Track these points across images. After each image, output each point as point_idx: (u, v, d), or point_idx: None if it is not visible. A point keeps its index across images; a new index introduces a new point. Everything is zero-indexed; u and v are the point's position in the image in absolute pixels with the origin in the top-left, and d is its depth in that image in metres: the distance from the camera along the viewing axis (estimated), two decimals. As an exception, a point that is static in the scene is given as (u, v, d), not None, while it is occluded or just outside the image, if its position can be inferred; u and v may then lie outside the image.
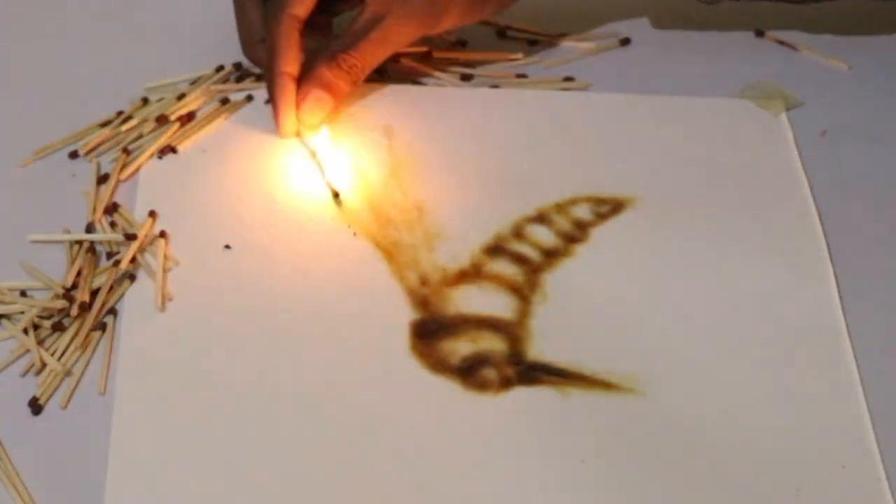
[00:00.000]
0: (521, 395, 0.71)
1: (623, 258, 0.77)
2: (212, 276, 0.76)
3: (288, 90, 0.80)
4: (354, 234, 0.78)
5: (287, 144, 0.83)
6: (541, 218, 0.79)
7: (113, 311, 0.74)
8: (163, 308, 0.74)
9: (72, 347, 0.72)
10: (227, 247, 0.77)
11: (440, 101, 0.85)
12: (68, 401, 0.71)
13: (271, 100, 0.81)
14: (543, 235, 0.78)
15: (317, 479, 0.67)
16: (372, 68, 0.81)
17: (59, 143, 0.83)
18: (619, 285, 0.75)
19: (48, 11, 0.92)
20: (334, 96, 0.81)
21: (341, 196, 0.79)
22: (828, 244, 0.77)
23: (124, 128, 0.84)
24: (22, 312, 0.73)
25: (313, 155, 0.81)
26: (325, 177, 0.80)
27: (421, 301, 0.75)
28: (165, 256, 0.76)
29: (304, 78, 0.81)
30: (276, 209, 0.79)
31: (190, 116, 0.84)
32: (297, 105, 0.81)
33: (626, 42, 0.89)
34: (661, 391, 0.71)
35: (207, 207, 0.79)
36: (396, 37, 0.81)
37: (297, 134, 0.82)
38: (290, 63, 0.80)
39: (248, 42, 0.84)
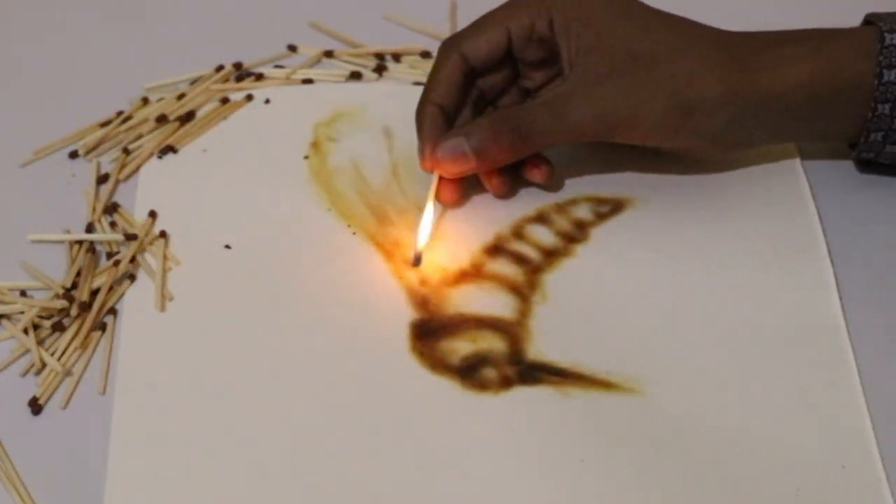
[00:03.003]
0: (521, 395, 0.71)
1: (623, 258, 0.77)
2: (212, 276, 0.76)
3: (431, 119, 0.75)
4: (354, 233, 0.78)
5: (286, 144, 0.83)
6: (541, 218, 0.79)
7: (113, 311, 0.74)
8: (163, 308, 0.74)
9: (72, 347, 0.72)
10: (227, 247, 0.77)
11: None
12: (68, 401, 0.71)
13: (417, 129, 0.76)
14: (543, 235, 0.78)
15: (317, 479, 0.67)
16: (537, 147, 0.75)
17: (59, 143, 0.83)
18: (620, 285, 0.75)
19: (48, 11, 0.92)
20: (479, 157, 0.74)
21: (420, 260, 0.76)
22: (828, 244, 0.77)
23: (124, 128, 0.84)
24: (22, 312, 0.73)
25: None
26: (419, 238, 0.76)
27: (421, 301, 0.75)
28: (165, 256, 0.76)
29: (464, 123, 0.76)
30: (276, 209, 0.79)
31: (190, 116, 0.84)
32: (438, 145, 0.75)
33: None
34: (661, 391, 0.71)
35: (207, 207, 0.79)
36: (574, 121, 0.73)
37: (431, 171, 0.76)
38: (440, 95, 0.75)
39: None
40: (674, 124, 0.74)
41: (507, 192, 0.79)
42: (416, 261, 0.76)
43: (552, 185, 0.79)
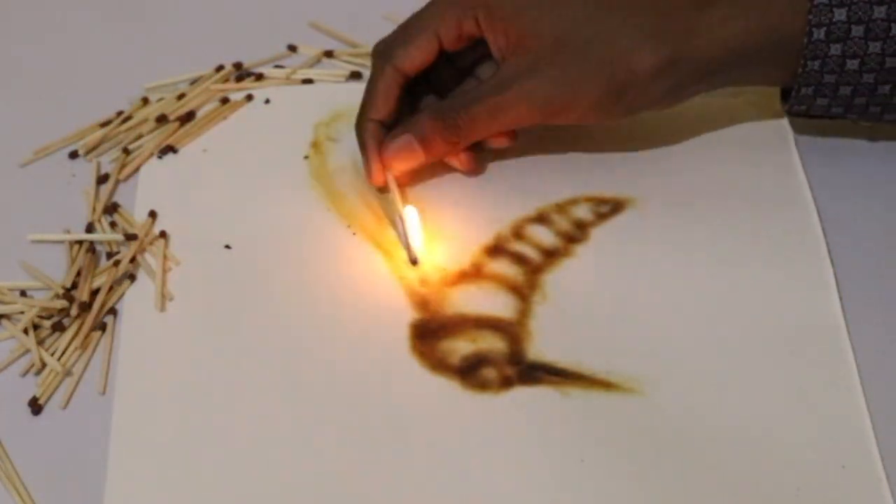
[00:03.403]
0: (522, 395, 0.71)
1: (623, 258, 0.77)
2: (212, 276, 0.76)
3: (372, 134, 0.77)
4: (354, 233, 0.78)
5: (286, 144, 0.83)
6: (541, 218, 0.79)
7: (113, 311, 0.74)
8: (163, 308, 0.74)
9: (72, 347, 0.72)
10: (227, 247, 0.77)
11: (440, 101, 0.85)
12: (68, 401, 0.71)
13: (361, 149, 0.78)
14: (543, 235, 0.78)
15: (317, 479, 0.67)
16: (476, 137, 0.77)
17: (59, 143, 0.83)
18: (619, 285, 0.75)
19: (48, 11, 0.92)
20: (425, 150, 0.76)
21: (419, 263, 0.76)
22: (828, 244, 0.77)
23: (124, 128, 0.84)
24: (22, 312, 0.73)
25: (399, 217, 0.77)
26: (408, 240, 0.76)
27: (421, 301, 0.75)
28: (165, 256, 0.76)
29: (402, 124, 0.77)
30: (276, 209, 0.79)
31: (190, 116, 0.84)
32: (384, 145, 0.77)
33: None
34: (661, 391, 0.71)
35: (207, 207, 0.79)
36: (511, 112, 0.75)
37: (385, 184, 0.78)
38: (379, 112, 0.77)
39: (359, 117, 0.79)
40: (609, 104, 0.75)
41: (476, 168, 0.80)
42: (414, 261, 0.76)
43: (515, 146, 0.79)
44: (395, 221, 0.78)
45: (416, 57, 0.76)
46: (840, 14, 0.73)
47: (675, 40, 0.74)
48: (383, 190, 0.79)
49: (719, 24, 0.74)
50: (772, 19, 0.74)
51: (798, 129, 0.82)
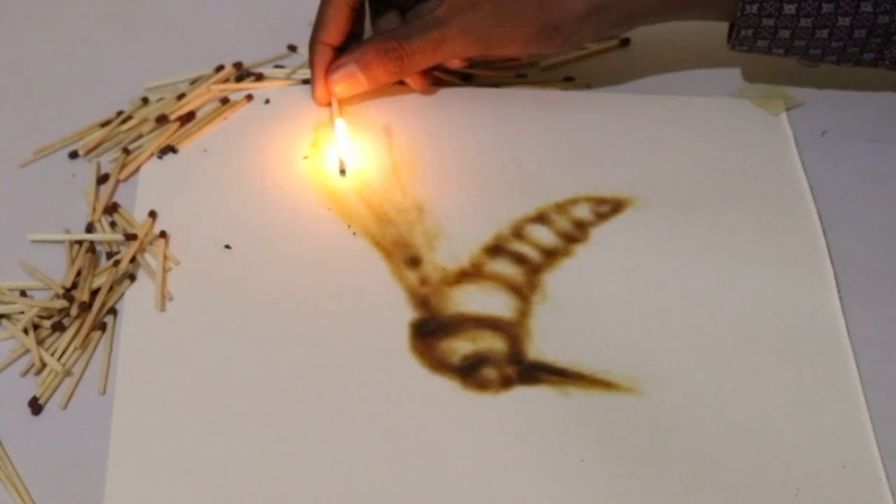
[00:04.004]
0: (522, 395, 0.71)
1: (623, 258, 0.77)
2: (212, 276, 0.76)
3: (322, 57, 0.81)
4: (354, 233, 0.78)
5: (286, 144, 0.83)
6: (541, 218, 0.79)
7: (113, 311, 0.74)
8: (163, 308, 0.74)
9: (72, 347, 0.72)
10: (227, 247, 0.77)
11: (440, 101, 0.85)
12: (68, 401, 0.71)
13: (310, 68, 0.83)
14: (543, 235, 0.78)
15: (317, 478, 0.67)
16: (417, 69, 0.81)
17: (59, 143, 0.83)
18: (619, 285, 0.75)
19: (48, 11, 0.92)
20: (368, 78, 0.81)
21: (346, 172, 0.80)
22: (828, 244, 0.77)
23: (124, 128, 0.84)
24: (22, 312, 0.73)
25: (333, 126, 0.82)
26: (338, 149, 0.81)
27: (421, 301, 0.75)
28: (165, 256, 0.76)
29: (347, 52, 0.82)
30: (276, 209, 0.79)
31: (190, 116, 0.84)
32: (329, 72, 0.81)
33: (626, 42, 0.89)
34: (661, 391, 0.71)
35: (207, 207, 0.79)
36: (451, 46, 0.79)
37: (328, 104, 0.83)
38: (330, 35, 0.81)
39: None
40: (543, 41, 0.79)
41: (428, 89, 0.84)
42: (342, 172, 0.80)
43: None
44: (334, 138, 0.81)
45: None
46: None
47: None
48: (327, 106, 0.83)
49: None
50: None
51: (798, 131, 0.82)
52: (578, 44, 0.81)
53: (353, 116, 0.84)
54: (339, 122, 0.82)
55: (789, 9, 0.76)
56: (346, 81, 0.81)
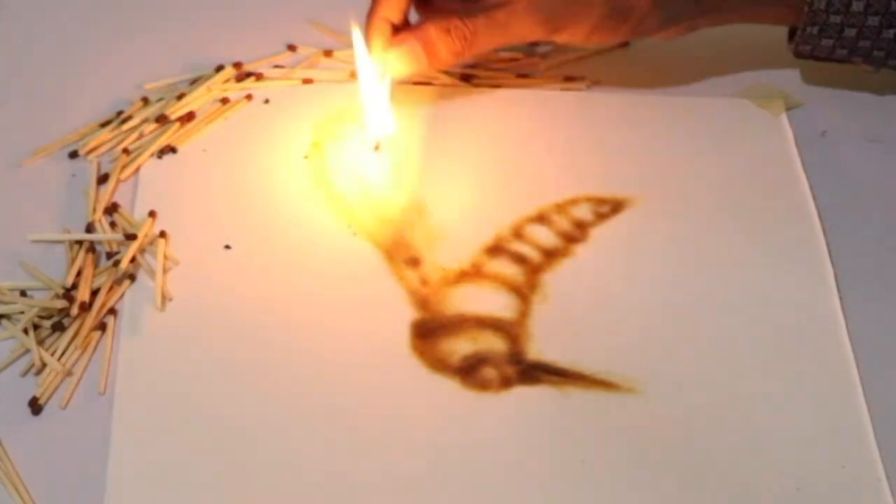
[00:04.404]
0: (522, 395, 0.71)
1: (623, 258, 0.77)
2: (212, 276, 0.76)
3: (381, 31, 0.77)
4: (354, 233, 0.78)
5: (286, 144, 0.83)
6: (541, 218, 0.79)
7: (113, 311, 0.74)
8: (163, 308, 0.74)
9: (72, 347, 0.72)
10: (227, 247, 0.77)
11: (441, 101, 0.85)
12: (68, 401, 0.71)
13: (365, 41, 0.78)
14: (543, 235, 0.78)
15: (317, 478, 0.67)
16: (481, 50, 0.78)
17: (59, 143, 0.83)
18: (619, 285, 0.75)
19: (48, 11, 0.92)
20: (430, 58, 0.77)
21: (380, 147, 0.78)
22: (828, 244, 0.77)
23: (124, 128, 0.84)
24: (22, 312, 0.73)
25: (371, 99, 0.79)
26: (372, 126, 0.79)
27: (421, 301, 0.75)
28: (165, 256, 0.76)
29: (408, 29, 0.78)
30: (276, 209, 0.79)
31: (190, 116, 0.84)
32: (388, 47, 0.78)
33: (625, 42, 0.89)
34: (661, 391, 0.71)
35: (207, 207, 0.79)
36: (517, 27, 0.76)
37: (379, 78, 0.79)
38: (391, 10, 0.77)
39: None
40: (611, 26, 0.77)
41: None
42: (377, 147, 0.78)
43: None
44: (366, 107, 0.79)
45: None
46: None
47: None
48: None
49: None
50: None
51: (799, 131, 0.82)
52: (644, 34, 0.78)
53: (352, 118, 0.84)
54: (384, 85, 0.78)
55: (857, 6, 0.75)
56: (407, 58, 0.78)
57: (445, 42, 0.77)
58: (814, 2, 0.76)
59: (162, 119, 0.83)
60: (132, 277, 0.75)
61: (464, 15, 0.77)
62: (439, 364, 0.72)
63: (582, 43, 0.79)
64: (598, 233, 0.78)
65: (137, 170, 0.82)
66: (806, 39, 0.78)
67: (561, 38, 0.78)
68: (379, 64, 0.78)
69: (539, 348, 0.73)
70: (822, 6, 0.76)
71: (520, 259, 0.77)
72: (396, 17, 0.78)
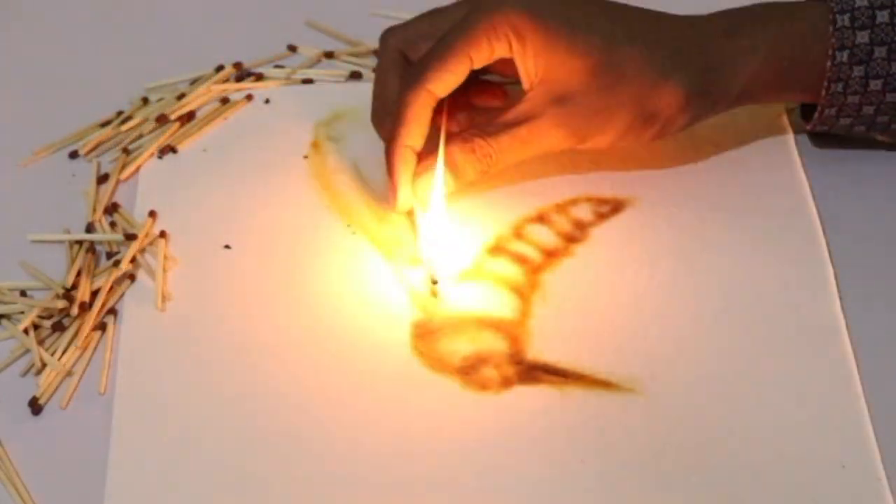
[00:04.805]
0: (522, 395, 0.71)
1: (623, 258, 0.77)
2: (212, 276, 0.76)
3: (407, 162, 0.75)
4: (354, 233, 0.78)
5: (286, 144, 0.83)
6: (541, 218, 0.79)
7: (113, 311, 0.74)
8: (163, 308, 0.74)
9: (72, 347, 0.72)
10: (227, 247, 0.77)
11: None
12: (68, 401, 0.71)
13: (388, 171, 0.75)
14: (543, 235, 0.78)
15: (317, 478, 0.67)
16: (506, 165, 0.75)
17: (59, 143, 0.83)
18: (619, 285, 0.75)
19: (48, 11, 0.92)
20: (457, 179, 0.75)
21: (438, 286, 0.75)
22: (828, 244, 0.77)
23: (124, 128, 0.84)
24: (22, 312, 0.73)
25: (418, 237, 0.77)
26: (427, 262, 0.76)
27: (421, 301, 0.75)
28: (165, 256, 0.76)
29: (431, 154, 0.75)
30: (276, 209, 0.79)
31: (190, 116, 0.84)
32: (416, 176, 0.75)
33: None
34: (661, 391, 0.71)
35: (207, 207, 0.79)
36: (543, 140, 0.75)
37: (410, 210, 0.77)
38: (413, 137, 0.74)
39: (378, 111, 0.78)
40: (638, 132, 0.75)
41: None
42: (434, 281, 0.75)
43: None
44: (421, 245, 0.76)
45: (449, 80, 0.74)
46: (862, 37, 0.74)
47: (705, 72, 0.74)
48: (409, 214, 0.77)
49: (747, 53, 0.75)
50: (796, 45, 0.75)
51: (799, 131, 0.82)
52: (674, 132, 0.76)
53: (352, 118, 0.84)
54: (430, 222, 0.75)
55: (875, 84, 0.75)
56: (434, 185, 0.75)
57: (471, 163, 0.75)
58: (831, 85, 0.75)
59: (162, 119, 0.83)
60: (132, 277, 0.75)
61: (485, 132, 0.75)
62: (439, 364, 0.72)
63: (608, 146, 0.77)
64: (598, 233, 0.78)
65: (137, 170, 0.82)
66: (824, 121, 0.77)
67: (587, 146, 0.76)
68: (405, 194, 0.76)
69: (539, 348, 0.72)
70: (839, 88, 0.75)
71: (520, 259, 0.77)
72: (419, 144, 0.75)
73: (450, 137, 0.76)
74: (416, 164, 0.75)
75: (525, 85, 0.75)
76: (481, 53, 0.74)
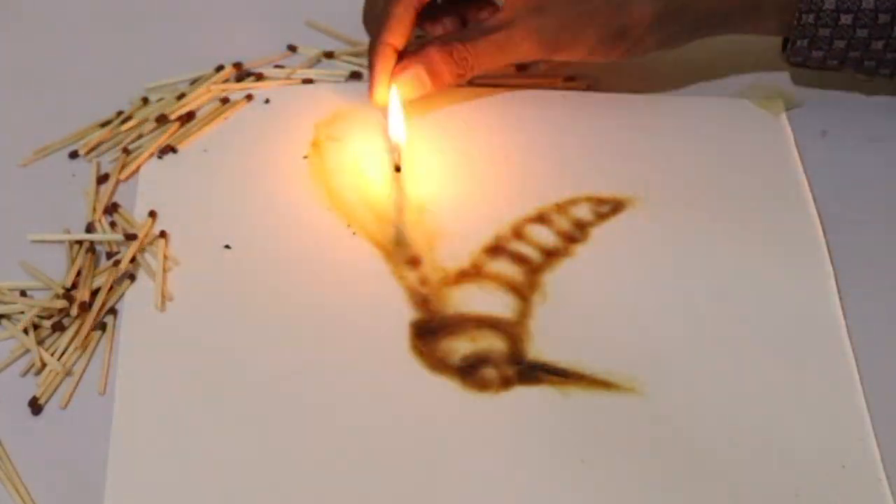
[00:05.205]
0: (521, 395, 0.71)
1: (623, 258, 0.77)
2: (212, 276, 0.76)
3: (386, 58, 0.80)
4: (354, 233, 0.78)
5: (286, 144, 0.83)
6: (541, 218, 0.79)
7: (113, 311, 0.74)
8: (163, 308, 0.74)
9: (72, 347, 0.72)
10: (227, 247, 0.77)
11: (441, 101, 0.85)
12: (68, 401, 0.71)
13: (370, 67, 0.80)
14: (543, 235, 0.78)
15: (317, 479, 0.67)
16: (481, 71, 0.80)
17: (59, 143, 0.83)
18: (619, 285, 0.75)
19: (48, 11, 0.92)
20: (434, 81, 0.80)
21: (401, 170, 0.80)
22: (828, 244, 0.77)
23: (124, 128, 0.84)
24: (22, 312, 0.73)
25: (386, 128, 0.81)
26: (392, 144, 0.80)
27: (421, 301, 0.75)
28: (165, 256, 0.76)
29: (411, 54, 0.80)
30: (276, 209, 0.79)
31: (190, 116, 0.84)
32: (394, 75, 0.80)
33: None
34: (661, 391, 0.71)
35: (207, 207, 0.79)
36: (516, 48, 0.79)
37: (386, 105, 0.81)
38: (395, 36, 0.79)
39: (369, 12, 0.83)
40: (610, 45, 0.79)
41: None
42: (398, 168, 0.80)
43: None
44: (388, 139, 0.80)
45: None
46: None
47: None
48: (382, 110, 0.81)
49: None
50: None
51: (799, 131, 0.82)
52: (641, 54, 0.80)
53: (352, 118, 0.84)
54: (398, 117, 0.80)
55: (846, 19, 0.77)
56: (412, 83, 0.80)
57: (448, 65, 0.79)
58: (802, 16, 0.77)
59: (162, 119, 0.83)
60: (132, 277, 0.75)
61: (464, 37, 0.79)
62: (439, 364, 0.72)
63: (580, 60, 0.81)
64: (598, 233, 0.78)
65: (137, 170, 0.82)
66: (797, 52, 0.80)
67: (559, 57, 0.80)
68: (381, 89, 0.80)
69: (539, 348, 0.73)
70: (810, 20, 0.77)
71: (520, 259, 0.77)
72: (400, 43, 0.80)
73: (430, 41, 0.80)
74: (396, 64, 0.80)
75: None
76: None
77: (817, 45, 0.79)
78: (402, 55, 0.80)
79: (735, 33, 0.81)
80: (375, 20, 0.81)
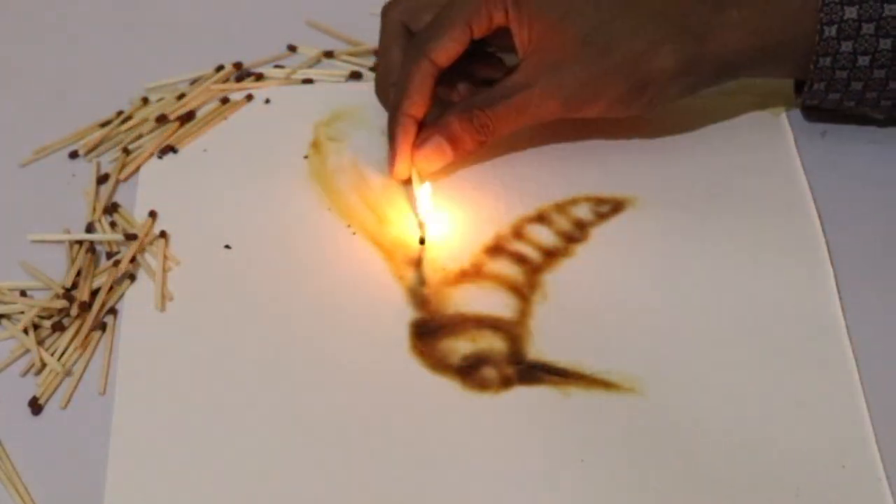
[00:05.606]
0: (522, 395, 0.71)
1: (623, 258, 0.77)
2: (212, 276, 0.76)
3: (408, 131, 0.78)
4: (354, 233, 0.78)
5: (286, 144, 0.83)
6: (541, 218, 0.79)
7: (113, 311, 0.74)
8: (163, 308, 0.74)
9: (72, 347, 0.72)
10: (227, 247, 0.77)
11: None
12: (68, 401, 0.71)
13: (390, 140, 0.78)
14: (543, 235, 0.78)
15: (317, 479, 0.67)
16: (502, 134, 0.78)
17: (59, 143, 0.83)
18: (619, 285, 0.75)
19: (48, 11, 0.92)
20: (455, 150, 0.78)
21: (426, 243, 0.77)
22: (828, 244, 0.77)
23: (124, 128, 0.84)
24: (22, 312, 0.73)
25: (415, 201, 0.79)
26: (419, 220, 0.78)
27: (421, 301, 0.75)
28: (165, 256, 0.76)
29: (431, 124, 0.78)
30: (275, 209, 0.79)
31: (190, 116, 0.84)
32: (415, 148, 0.78)
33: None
34: (661, 391, 0.71)
35: (207, 207, 0.79)
36: (537, 110, 0.77)
37: (408, 179, 0.79)
38: (416, 107, 0.77)
39: (381, 82, 0.81)
40: (630, 99, 0.77)
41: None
42: (422, 241, 0.77)
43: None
44: (415, 206, 0.78)
45: (451, 49, 0.77)
46: (851, 12, 0.74)
47: (695, 41, 0.75)
48: (405, 183, 0.80)
49: (736, 24, 0.75)
50: (786, 18, 0.76)
51: (798, 131, 0.82)
52: (663, 103, 0.78)
53: (352, 118, 0.84)
54: (425, 190, 0.78)
55: (863, 60, 0.75)
56: (434, 155, 0.78)
57: (469, 133, 0.77)
58: (819, 59, 0.76)
59: (162, 119, 0.84)
60: (132, 277, 0.75)
61: (483, 102, 0.77)
62: (439, 364, 0.72)
63: (600, 115, 0.78)
64: (598, 233, 0.78)
65: (137, 170, 0.82)
66: (813, 95, 0.78)
67: (580, 115, 0.78)
68: (403, 162, 0.79)
69: (539, 348, 0.73)
70: (827, 63, 0.76)
71: (520, 259, 0.77)
72: (421, 113, 0.78)
73: (449, 108, 0.78)
74: (417, 134, 0.78)
75: (519, 53, 0.77)
76: (480, 22, 0.77)
77: (834, 88, 0.77)
78: (422, 124, 0.78)
79: (753, 77, 0.80)
80: (391, 88, 0.79)
